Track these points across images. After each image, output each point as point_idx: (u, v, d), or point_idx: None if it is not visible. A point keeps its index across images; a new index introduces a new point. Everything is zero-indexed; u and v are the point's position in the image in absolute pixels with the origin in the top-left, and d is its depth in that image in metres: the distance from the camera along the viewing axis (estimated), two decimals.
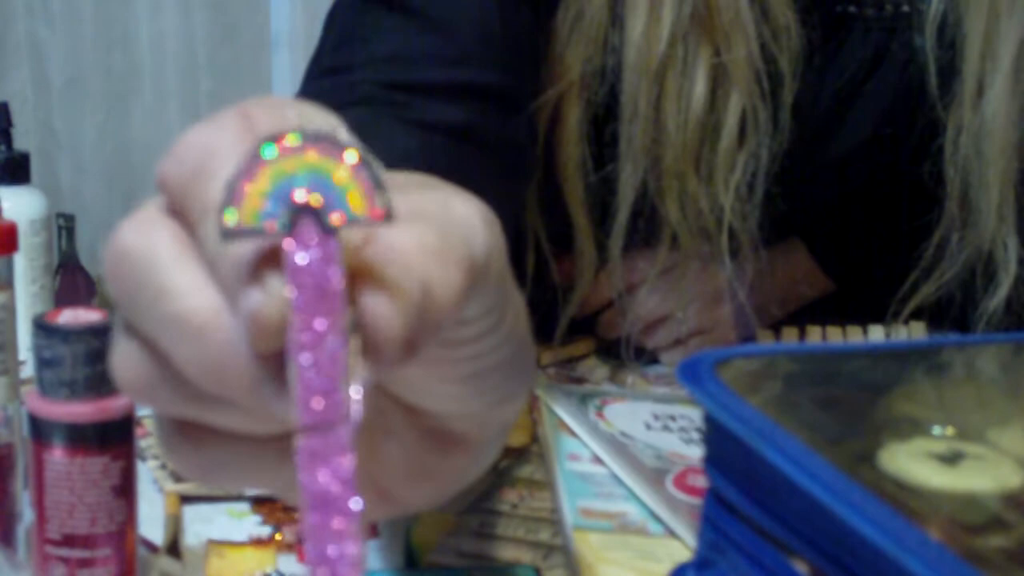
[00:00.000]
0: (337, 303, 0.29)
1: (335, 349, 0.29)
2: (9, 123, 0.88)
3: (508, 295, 0.35)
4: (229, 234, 0.29)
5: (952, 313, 0.85)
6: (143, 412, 0.74)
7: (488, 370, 0.35)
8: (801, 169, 0.84)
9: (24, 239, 0.82)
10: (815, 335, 0.93)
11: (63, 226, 2.21)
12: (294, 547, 0.59)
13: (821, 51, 0.84)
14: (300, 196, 0.29)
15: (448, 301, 0.31)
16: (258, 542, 0.60)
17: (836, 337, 0.93)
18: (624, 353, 0.87)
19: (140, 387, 0.33)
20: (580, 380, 0.85)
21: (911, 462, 0.40)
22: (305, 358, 0.29)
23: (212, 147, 0.31)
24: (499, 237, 0.34)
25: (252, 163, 0.29)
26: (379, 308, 0.30)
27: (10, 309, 0.55)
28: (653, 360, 0.89)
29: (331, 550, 0.29)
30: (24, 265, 0.84)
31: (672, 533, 0.59)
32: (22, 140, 0.93)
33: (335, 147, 0.30)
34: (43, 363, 0.48)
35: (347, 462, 0.29)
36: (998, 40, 0.79)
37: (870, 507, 0.35)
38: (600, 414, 0.73)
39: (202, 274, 0.31)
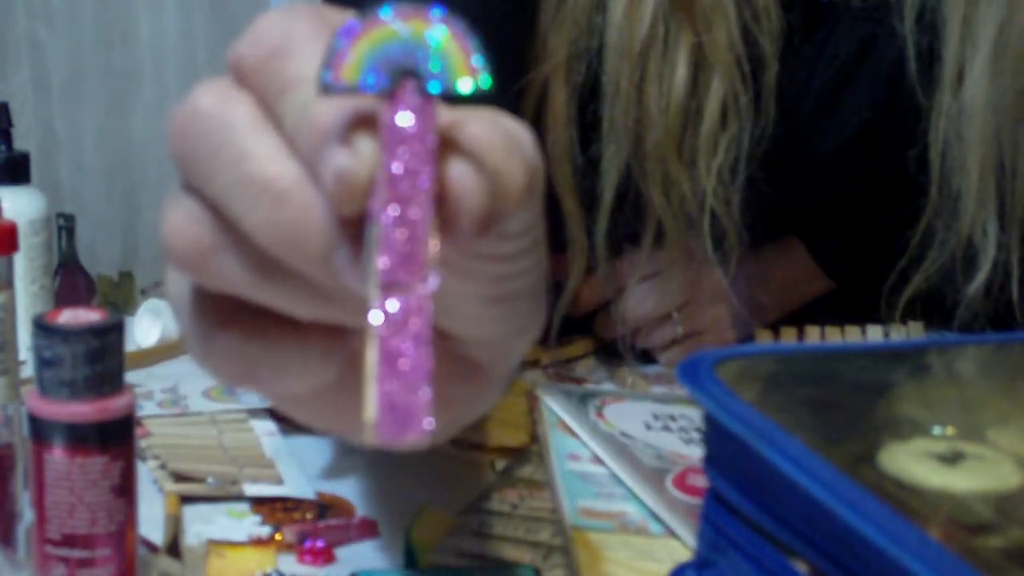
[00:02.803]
0: (429, 166, 0.30)
1: (422, 210, 0.30)
2: (9, 123, 0.88)
3: (540, 222, 0.36)
4: (328, 88, 0.30)
5: (944, 303, 0.84)
6: (143, 412, 0.74)
7: (516, 294, 0.36)
8: (795, 162, 0.84)
9: (24, 239, 0.82)
10: (814, 335, 0.93)
11: (63, 226, 2.21)
12: (294, 547, 0.59)
13: (809, 42, 0.84)
14: (404, 60, 0.30)
15: (514, 193, 0.32)
16: (258, 542, 0.60)
17: (835, 337, 0.93)
18: (622, 350, 0.87)
19: (197, 252, 0.33)
20: (580, 380, 0.85)
21: (911, 462, 0.40)
22: (390, 217, 0.30)
23: (290, 30, 0.33)
24: (539, 155, 0.34)
25: (355, 26, 0.30)
26: (466, 178, 0.31)
27: (10, 309, 0.55)
28: (652, 359, 0.89)
29: (401, 404, 0.29)
30: (24, 265, 0.84)
31: (672, 533, 0.59)
32: (22, 140, 0.93)
33: (437, 17, 0.31)
34: (43, 363, 0.48)
35: (423, 321, 0.30)
36: (977, 24, 0.79)
37: (870, 507, 0.35)
38: (600, 414, 0.73)
39: (282, 144, 0.32)
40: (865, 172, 0.88)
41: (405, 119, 0.30)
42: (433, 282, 0.30)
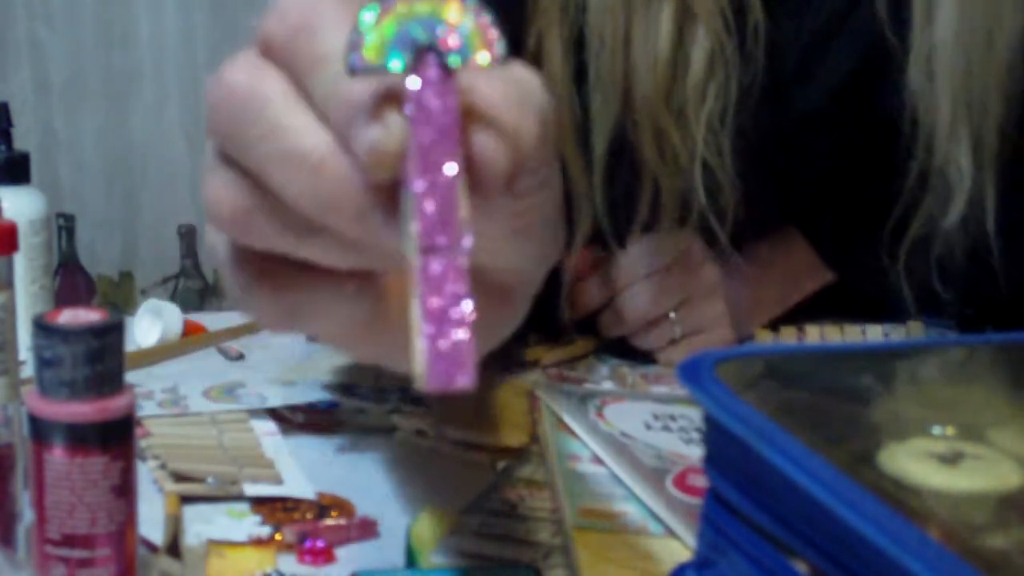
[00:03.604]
0: (454, 136, 0.33)
1: (451, 177, 0.33)
2: (9, 123, 0.88)
3: (553, 157, 0.39)
4: (356, 70, 0.33)
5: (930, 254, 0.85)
6: (143, 412, 0.74)
7: (535, 226, 0.39)
8: (784, 114, 0.85)
9: (24, 239, 0.82)
10: (814, 335, 0.93)
11: (63, 226, 2.21)
12: (294, 547, 0.59)
13: None
14: (424, 37, 0.33)
15: (531, 144, 0.35)
16: (258, 542, 0.60)
17: (835, 337, 0.93)
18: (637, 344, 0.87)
19: (237, 217, 0.36)
20: (580, 380, 0.85)
21: (911, 462, 0.40)
22: (423, 185, 0.32)
23: (314, 5, 0.35)
24: (549, 96, 0.37)
25: (375, 8, 0.33)
26: (489, 144, 0.34)
27: (10, 309, 0.55)
28: (653, 359, 0.89)
29: (446, 355, 0.32)
30: (24, 265, 0.84)
31: (672, 533, 0.59)
32: (22, 140, 0.93)
33: None
34: (43, 363, 0.48)
35: (461, 278, 0.32)
36: None
37: (870, 507, 0.35)
38: (600, 414, 0.73)
39: (314, 116, 0.34)
40: (854, 124, 0.88)
41: (428, 94, 0.33)
42: (468, 241, 0.33)
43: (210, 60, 2.18)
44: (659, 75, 0.79)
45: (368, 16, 0.33)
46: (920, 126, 0.82)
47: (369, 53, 0.33)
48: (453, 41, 0.33)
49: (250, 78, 0.35)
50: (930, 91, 0.81)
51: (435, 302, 0.32)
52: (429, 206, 0.32)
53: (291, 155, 0.34)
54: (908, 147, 0.83)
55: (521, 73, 0.36)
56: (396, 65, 0.33)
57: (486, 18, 0.33)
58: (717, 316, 0.88)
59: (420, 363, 0.32)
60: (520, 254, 0.40)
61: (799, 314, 0.93)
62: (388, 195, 0.34)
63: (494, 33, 0.33)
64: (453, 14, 0.33)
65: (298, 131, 0.34)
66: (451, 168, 0.32)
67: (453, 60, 0.33)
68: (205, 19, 2.18)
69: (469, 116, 0.34)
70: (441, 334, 0.32)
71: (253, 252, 0.37)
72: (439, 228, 0.32)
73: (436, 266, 0.32)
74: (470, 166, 0.33)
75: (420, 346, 0.32)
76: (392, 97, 0.33)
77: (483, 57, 0.33)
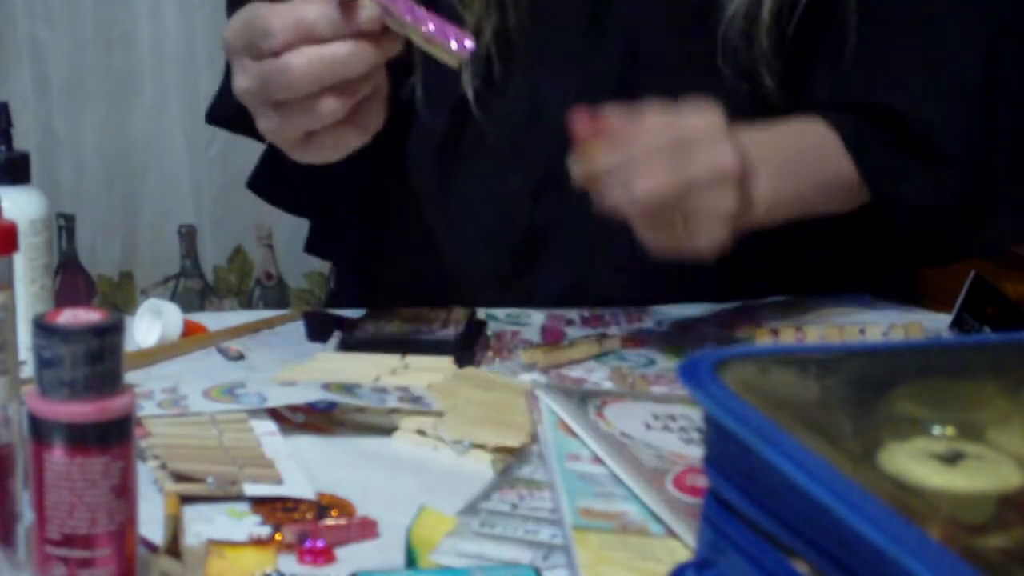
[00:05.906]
0: None
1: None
2: (9, 123, 0.87)
3: None
4: None
5: None
6: (143, 412, 0.74)
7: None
8: None
9: (24, 239, 0.82)
10: (813, 335, 0.94)
11: (63, 226, 2.20)
12: (294, 547, 0.59)
13: None
14: None
15: None
16: (258, 542, 0.60)
17: (834, 337, 0.93)
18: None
19: (252, 91, 0.71)
20: (580, 380, 0.85)
21: (911, 462, 0.40)
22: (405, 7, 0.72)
23: None
24: None
25: None
26: None
27: (10, 309, 0.55)
28: (652, 359, 0.89)
29: (450, 36, 0.73)
30: (24, 265, 0.84)
31: (672, 533, 0.59)
32: (22, 140, 0.92)
33: None
34: (43, 363, 0.48)
35: (433, 22, 0.72)
36: None
37: (870, 507, 0.35)
38: (600, 414, 0.73)
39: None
40: None
41: None
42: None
43: (210, 60, 2.18)
44: None
45: None
46: None
47: None
48: None
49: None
50: None
51: (430, 25, 0.71)
52: (428, 20, 0.72)
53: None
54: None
55: None
56: None
57: None
58: (724, 214, 0.80)
59: (444, 52, 0.72)
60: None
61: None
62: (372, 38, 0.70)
63: None
64: None
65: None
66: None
67: None
68: (205, 19, 2.17)
69: None
70: (440, 30, 0.71)
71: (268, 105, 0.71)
72: (441, 24, 0.72)
73: (422, 15, 0.71)
74: None
75: (438, 47, 0.72)
76: None
77: None
